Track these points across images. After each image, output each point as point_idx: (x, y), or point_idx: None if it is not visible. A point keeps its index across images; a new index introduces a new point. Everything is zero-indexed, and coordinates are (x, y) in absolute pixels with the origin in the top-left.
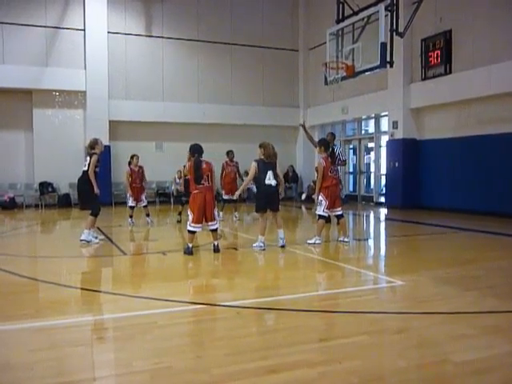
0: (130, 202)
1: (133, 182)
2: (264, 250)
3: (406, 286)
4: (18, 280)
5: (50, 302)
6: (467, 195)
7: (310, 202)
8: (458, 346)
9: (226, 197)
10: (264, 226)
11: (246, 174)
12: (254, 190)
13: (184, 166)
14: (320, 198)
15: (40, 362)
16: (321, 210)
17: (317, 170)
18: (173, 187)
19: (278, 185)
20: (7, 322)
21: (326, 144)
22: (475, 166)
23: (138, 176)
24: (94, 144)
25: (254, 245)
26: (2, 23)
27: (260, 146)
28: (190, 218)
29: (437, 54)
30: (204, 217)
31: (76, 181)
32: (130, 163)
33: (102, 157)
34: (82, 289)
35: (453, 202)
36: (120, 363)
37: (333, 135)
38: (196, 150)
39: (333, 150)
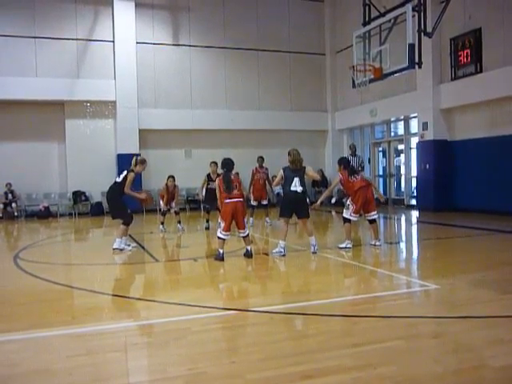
0: (162, 207)
1: (166, 196)
2: (284, 255)
3: (441, 289)
4: (54, 287)
5: (86, 308)
6: (502, 196)
7: (340, 205)
8: (496, 350)
9: (254, 203)
10: (285, 231)
11: (274, 178)
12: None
13: (208, 175)
14: (348, 201)
15: (78, 367)
16: (347, 214)
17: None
18: (202, 193)
19: (304, 192)
20: (46, 328)
21: (344, 162)
22: (508, 166)
23: (171, 194)
24: (142, 162)
25: (274, 250)
26: (35, 37)
27: (288, 154)
28: (222, 225)
29: (466, 53)
30: (236, 225)
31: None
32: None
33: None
34: (116, 295)
35: (487, 203)
36: (154, 369)
37: (354, 146)
38: (225, 165)
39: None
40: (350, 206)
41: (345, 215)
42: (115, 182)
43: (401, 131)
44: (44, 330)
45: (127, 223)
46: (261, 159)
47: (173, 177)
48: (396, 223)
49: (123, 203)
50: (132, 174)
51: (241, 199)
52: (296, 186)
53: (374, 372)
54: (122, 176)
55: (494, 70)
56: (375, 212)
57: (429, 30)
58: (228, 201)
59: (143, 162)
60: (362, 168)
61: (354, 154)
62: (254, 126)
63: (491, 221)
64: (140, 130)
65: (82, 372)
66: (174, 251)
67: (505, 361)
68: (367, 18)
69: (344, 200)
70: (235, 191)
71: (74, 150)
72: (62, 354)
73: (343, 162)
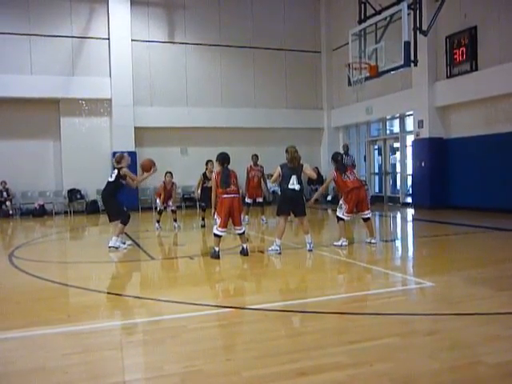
0: (158, 206)
1: (163, 194)
2: (280, 253)
3: (436, 286)
4: (50, 286)
5: (82, 306)
6: (497, 193)
7: (336, 203)
8: (491, 347)
9: (249, 201)
10: (283, 229)
11: (270, 177)
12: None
13: (204, 174)
14: (341, 201)
15: (73, 365)
16: (340, 213)
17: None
18: (198, 191)
19: (302, 190)
20: (42, 326)
21: (334, 157)
22: (504, 163)
23: (168, 192)
24: (120, 159)
25: (270, 248)
26: (30, 35)
27: (286, 151)
28: (218, 221)
29: (462, 50)
30: (232, 221)
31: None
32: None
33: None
34: (111, 293)
35: (482, 200)
36: (150, 367)
37: (347, 146)
38: (224, 160)
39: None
40: (343, 205)
41: (338, 214)
42: (108, 182)
43: (396, 129)
44: (39, 328)
45: (125, 222)
46: (255, 157)
47: (170, 173)
48: (391, 221)
49: (119, 203)
50: (125, 169)
51: (237, 195)
52: (294, 183)
53: (371, 369)
54: (113, 175)
55: (489, 68)
56: (368, 211)
57: (424, 28)
58: (225, 196)
59: (122, 156)
60: (354, 167)
61: (346, 153)
62: (250, 123)
63: (486, 218)
64: (135, 128)
65: (77, 370)
66: (169, 249)
67: (500, 357)
68: (363, 16)
69: (339, 197)
70: (232, 186)
71: (70, 147)
72: (57, 352)
73: (333, 157)
